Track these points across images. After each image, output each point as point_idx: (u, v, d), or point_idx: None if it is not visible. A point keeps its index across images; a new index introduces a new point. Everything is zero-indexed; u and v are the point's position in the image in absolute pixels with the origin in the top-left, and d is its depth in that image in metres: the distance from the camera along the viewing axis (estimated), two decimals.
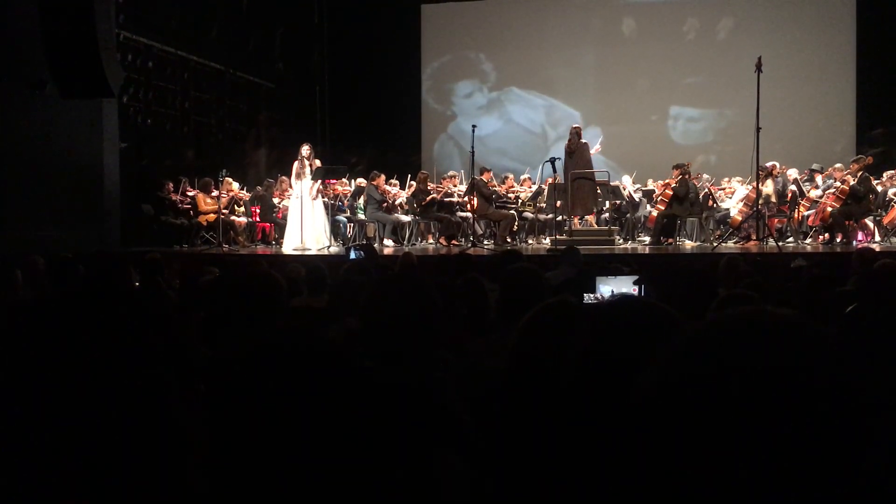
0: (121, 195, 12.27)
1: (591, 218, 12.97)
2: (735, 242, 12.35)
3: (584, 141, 12.25)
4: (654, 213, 12.69)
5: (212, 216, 12.89)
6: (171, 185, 13.07)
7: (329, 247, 11.68)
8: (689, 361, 0.86)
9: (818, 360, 0.82)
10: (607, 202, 13.39)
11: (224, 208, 12.90)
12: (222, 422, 1.29)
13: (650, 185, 14.17)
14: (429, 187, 13.19)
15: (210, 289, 5.02)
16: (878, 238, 12.20)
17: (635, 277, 2.72)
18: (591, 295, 2.59)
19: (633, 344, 1.41)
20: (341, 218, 13.39)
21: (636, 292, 2.67)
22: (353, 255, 7.01)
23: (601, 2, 18.16)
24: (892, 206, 12.08)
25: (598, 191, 12.49)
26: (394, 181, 14.19)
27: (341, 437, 1.29)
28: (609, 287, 2.65)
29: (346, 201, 13.73)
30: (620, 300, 1.80)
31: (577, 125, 12.61)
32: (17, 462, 1.26)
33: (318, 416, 1.27)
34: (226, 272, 6.09)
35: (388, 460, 1.45)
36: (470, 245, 11.80)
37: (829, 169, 12.90)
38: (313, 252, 11.14)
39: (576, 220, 12.79)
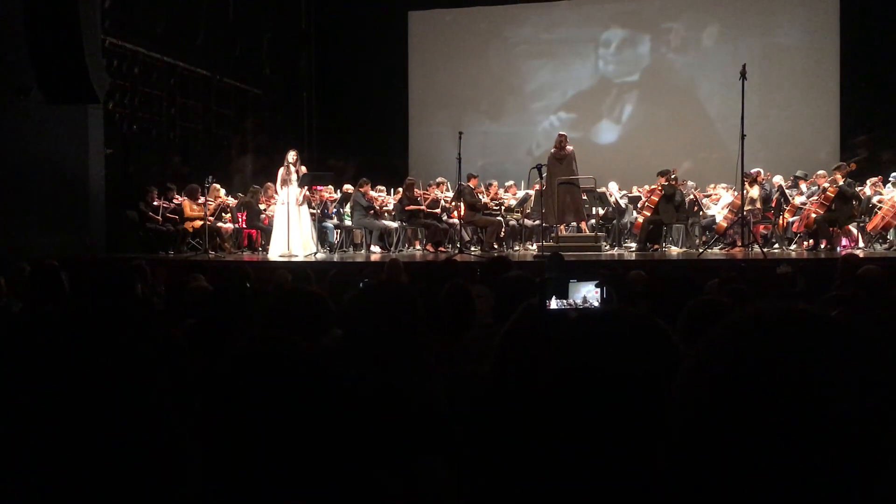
0: (106, 201, 12.21)
1: (584, 225, 13.01)
2: (720, 249, 12.41)
3: (570, 148, 12.25)
4: (640, 220, 12.74)
5: (198, 223, 12.83)
6: (155, 192, 12.99)
7: (316, 253, 11.65)
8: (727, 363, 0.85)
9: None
10: (594, 209, 13.44)
11: (211, 214, 12.85)
12: (209, 431, 1.30)
13: (635, 191, 14.24)
14: (416, 194, 13.20)
15: (197, 296, 5.00)
16: (861, 244, 12.29)
17: (597, 281, 2.73)
18: (564, 301, 2.59)
19: (619, 356, 1.41)
20: (328, 224, 13.37)
21: (598, 296, 2.68)
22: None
23: (587, 11, 18.23)
24: (876, 212, 12.18)
25: (585, 197, 12.52)
26: (380, 187, 14.19)
27: (325, 445, 1.29)
28: (582, 292, 2.65)
29: (331, 207, 13.72)
30: (606, 312, 1.80)
31: (563, 133, 12.63)
32: (8, 476, 1.25)
33: (302, 425, 1.27)
34: (215, 280, 6.06)
35: (372, 468, 1.45)
36: (457, 251, 11.81)
37: (814, 176, 12.99)
38: (300, 259, 11.11)
39: (562, 227, 12.81)
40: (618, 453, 1.31)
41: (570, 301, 2.60)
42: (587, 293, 2.64)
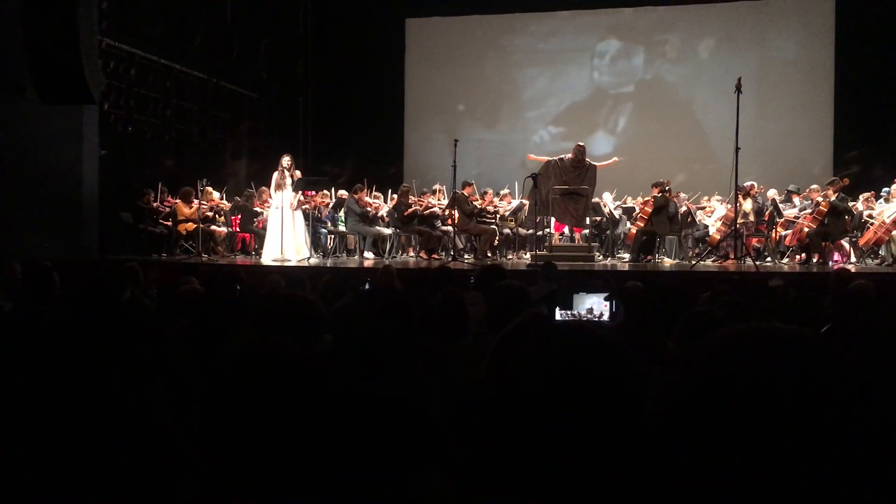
0: (99, 203, 12.17)
1: (577, 234, 13.02)
2: (713, 261, 12.43)
3: (589, 161, 12.29)
4: (634, 231, 12.76)
5: (191, 225, 12.81)
6: (152, 194, 13.00)
7: (309, 258, 11.63)
8: (702, 378, 0.91)
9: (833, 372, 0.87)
10: (587, 219, 13.45)
11: (205, 217, 12.84)
12: (204, 433, 1.29)
13: (629, 202, 14.26)
14: (410, 200, 13.20)
15: (189, 299, 4.98)
16: (853, 259, 12.33)
17: (606, 294, 2.74)
18: (568, 311, 2.60)
19: (610, 363, 1.42)
20: (322, 229, 13.36)
21: (607, 308, 2.69)
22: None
23: (582, 21, 18.29)
24: (868, 227, 12.23)
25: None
26: (377, 193, 14.19)
27: (319, 449, 1.29)
28: (587, 304, 2.66)
29: (325, 212, 13.70)
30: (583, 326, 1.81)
31: (582, 143, 12.59)
32: (4, 477, 1.24)
33: (296, 429, 1.27)
34: (207, 283, 6.04)
35: (365, 473, 1.45)
36: (450, 259, 11.81)
37: (807, 190, 13.05)
38: (293, 263, 11.10)
39: (556, 237, 12.83)
40: (612, 458, 1.31)
41: (575, 312, 2.61)
42: (593, 304, 2.65)
